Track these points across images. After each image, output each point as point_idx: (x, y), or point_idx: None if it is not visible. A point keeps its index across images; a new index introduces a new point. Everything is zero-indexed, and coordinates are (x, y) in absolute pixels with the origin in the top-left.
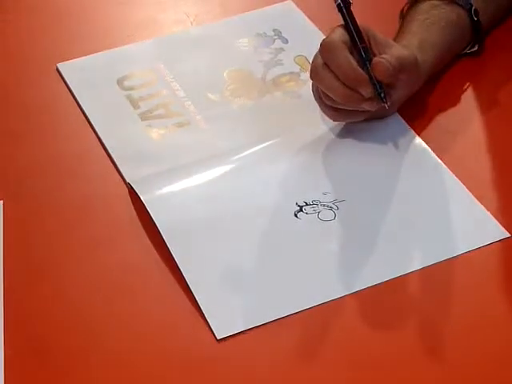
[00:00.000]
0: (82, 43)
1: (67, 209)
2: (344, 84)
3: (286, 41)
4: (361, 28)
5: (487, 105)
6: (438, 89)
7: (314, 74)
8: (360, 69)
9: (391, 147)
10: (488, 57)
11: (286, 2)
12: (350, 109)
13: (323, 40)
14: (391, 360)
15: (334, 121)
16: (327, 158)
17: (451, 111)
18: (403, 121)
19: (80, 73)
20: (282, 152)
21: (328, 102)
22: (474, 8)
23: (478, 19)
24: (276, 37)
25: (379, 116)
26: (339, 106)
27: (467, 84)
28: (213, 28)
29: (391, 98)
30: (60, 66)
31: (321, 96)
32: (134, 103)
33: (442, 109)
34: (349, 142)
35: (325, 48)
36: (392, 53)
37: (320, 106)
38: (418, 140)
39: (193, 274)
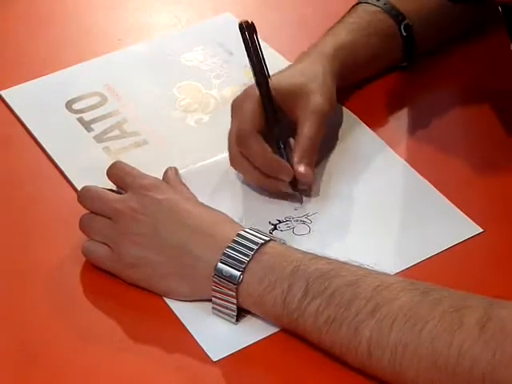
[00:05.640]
0: (24, 68)
1: (25, 233)
2: (261, 172)
3: (230, 53)
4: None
5: (451, 104)
6: (400, 91)
7: (232, 163)
8: (275, 156)
9: (357, 155)
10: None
11: (224, 14)
12: None
13: (237, 129)
14: None
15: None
16: None
17: (415, 113)
18: (368, 128)
19: (26, 99)
20: None
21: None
22: (405, 22)
23: (408, 34)
24: (220, 49)
25: None
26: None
27: (430, 84)
28: (157, 44)
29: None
30: (4, 93)
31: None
32: (87, 126)
33: (405, 112)
34: None
35: (238, 139)
36: (300, 138)
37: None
38: (384, 145)
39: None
